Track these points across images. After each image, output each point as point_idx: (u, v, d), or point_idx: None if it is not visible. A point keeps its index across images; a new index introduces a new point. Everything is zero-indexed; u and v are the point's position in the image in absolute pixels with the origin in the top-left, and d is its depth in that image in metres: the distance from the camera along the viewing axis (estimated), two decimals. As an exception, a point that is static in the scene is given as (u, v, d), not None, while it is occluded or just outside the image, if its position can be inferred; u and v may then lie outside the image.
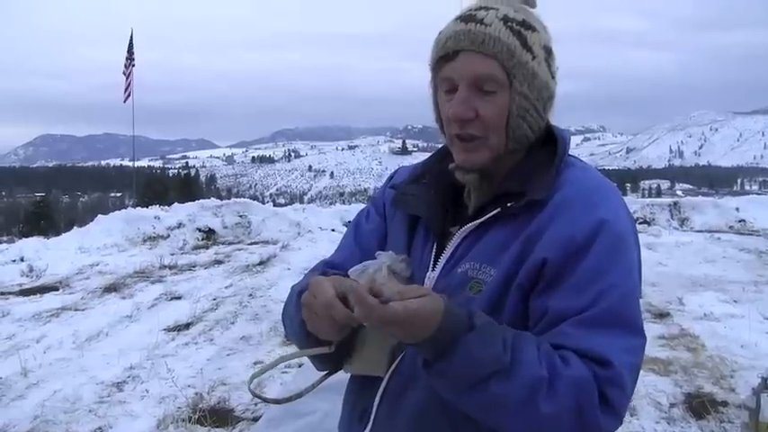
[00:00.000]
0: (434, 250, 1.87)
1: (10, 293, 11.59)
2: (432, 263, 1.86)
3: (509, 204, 1.74)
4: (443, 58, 1.79)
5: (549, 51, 1.83)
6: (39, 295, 11.47)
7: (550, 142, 1.86)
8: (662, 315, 9.87)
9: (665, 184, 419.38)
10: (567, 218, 1.68)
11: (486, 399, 1.54)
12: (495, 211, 1.76)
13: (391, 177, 2.19)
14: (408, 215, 1.98)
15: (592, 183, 1.78)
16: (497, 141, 1.78)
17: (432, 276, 1.84)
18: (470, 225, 1.81)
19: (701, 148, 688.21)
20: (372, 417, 1.87)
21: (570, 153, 1.89)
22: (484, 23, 1.74)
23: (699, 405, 6.40)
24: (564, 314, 1.64)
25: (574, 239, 1.65)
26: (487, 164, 1.80)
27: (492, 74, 1.73)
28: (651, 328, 9.03)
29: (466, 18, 1.78)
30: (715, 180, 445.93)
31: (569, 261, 1.65)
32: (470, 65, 1.75)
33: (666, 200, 24.64)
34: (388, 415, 1.85)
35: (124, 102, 39.76)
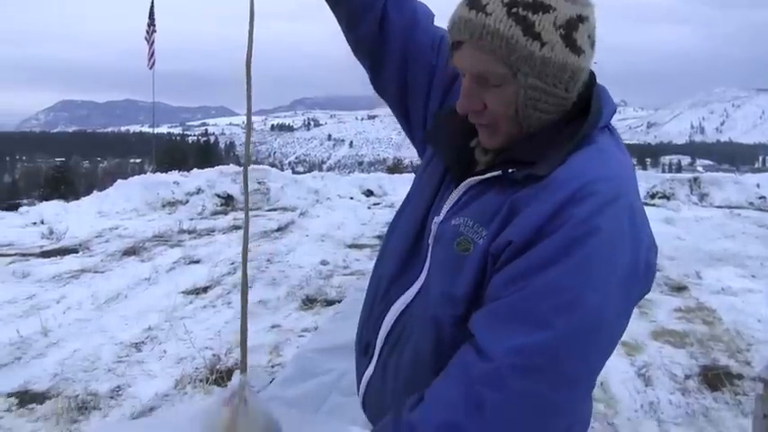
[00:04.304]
0: (449, 197, 1.83)
1: (30, 255, 11.66)
2: (443, 209, 1.83)
3: (510, 170, 1.68)
4: (452, 45, 1.73)
5: (570, 26, 1.65)
6: (59, 257, 11.54)
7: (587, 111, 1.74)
8: (679, 288, 9.84)
9: (685, 160, 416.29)
10: (545, 204, 1.58)
11: None
12: (495, 173, 1.71)
13: None
14: None
15: (592, 173, 1.62)
16: (509, 128, 1.72)
17: (436, 221, 1.82)
18: (473, 179, 1.77)
19: (722, 124, 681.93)
20: (376, 355, 1.90)
21: (609, 125, 1.79)
22: (485, 11, 1.63)
23: (714, 377, 6.39)
24: (489, 297, 1.61)
25: (540, 231, 1.57)
26: (504, 146, 1.76)
27: (491, 71, 1.66)
28: (668, 301, 9.04)
29: (471, 2, 1.67)
30: (736, 157, 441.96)
31: (525, 249, 1.58)
32: (469, 60, 1.68)
33: (686, 175, 24.51)
34: (390, 354, 1.87)
35: (150, 68, 39.91)
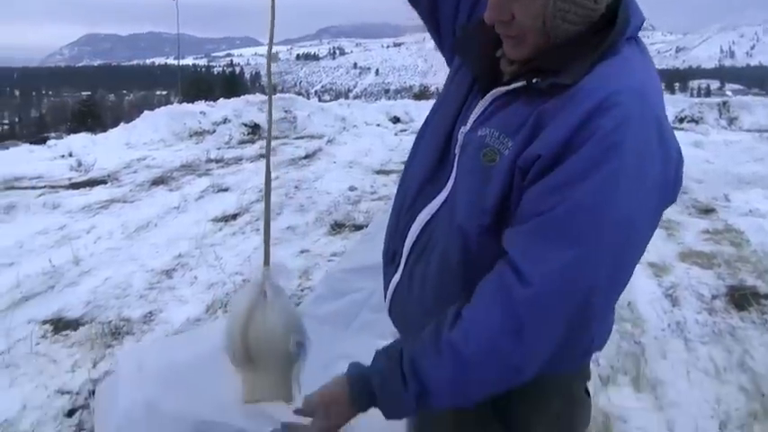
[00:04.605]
0: (476, 107, 1.81)
1: (60, 187, 11.74)
2: (470, 119, 1.81)
3: (534, 80, 1.66)
4: None
5: None
6: (88, 188, 11.63)
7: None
8: (707, 210, 9.84)
9: (714, 84, 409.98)
10: (572, 116, 1.55)
11: (440, 406, 1.68)
12: (520, 83, 1.69)
13: None
14: None
15: (617, 84, 1.58)
16: (536, 40, 1.67)
17: (463, 131, 1.80)
18: (499, 90, 1.74)
19: (753, 48, 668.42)
20: (403, 263, 1.90)
21: (636, 37, 1.75)
22: None
23: (741, 297, 6.43)
24: (523, 215, 1.59)
25: (568, 144, 1.54)
26: (529, 57, 1.71)
27: None
28: (695, 223, 9.05)
29: None
30: (766, 80, 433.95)
31: (554, 163, 1.56)
32: None
33: (715, 99, 24.25)
34: (416, 263, 1.87)
35: (173, -2, 39.70)
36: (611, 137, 1.51)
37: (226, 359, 1.83)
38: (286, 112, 18.92)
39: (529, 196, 1.59)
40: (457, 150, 1.80)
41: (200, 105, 19.72)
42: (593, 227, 1.52)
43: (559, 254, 1.53)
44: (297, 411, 1.81)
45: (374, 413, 1.74)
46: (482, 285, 1.62)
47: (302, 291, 6.45)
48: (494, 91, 1.76)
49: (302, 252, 7.77)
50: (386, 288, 2.00)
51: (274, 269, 1.84)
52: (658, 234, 8.38)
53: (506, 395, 1.66)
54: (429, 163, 1.89)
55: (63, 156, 14.59)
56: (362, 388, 1.71)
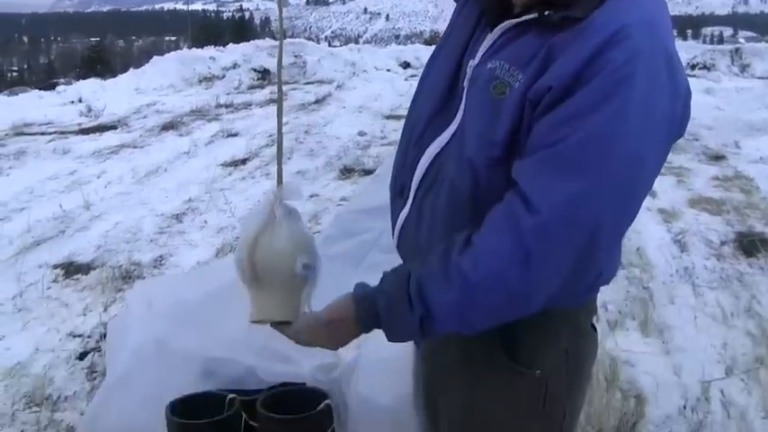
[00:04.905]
0: (485, 41, 1.79)
1: (70, 132, 11.72)
2: (478, 52, 1.79)
3: (546, 13, 1.63)
4: None
5: None
6: (98, 134, 11.60)
7: None
8: (717, 157, 9.82)
9: (727, 32, 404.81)
10: (582, 49, 1.54)
11: (444, 331, 1.71)
12: (531, 16, 1.66)
13: None
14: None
15: (628, 17, 1.57)
16: None
17: (471, 65, 1.79)
18: (509, 23, 1.72)
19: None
20: (411, 197, 1.90)
21: None
22: None
23: (749, 243, 6.44)
24: (533, 146, 1.59)
25: (578, 77, 1.53)
26: None
27: None
28: (705, 170, 9.05)
29: None
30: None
31: (565, 95, 1.55)
32: None
33: (728, 46, 24.07)
34: (425, 196, 1.85)
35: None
36: (622, 70, 1.51)
37: (236, 292, 1.84)
38: (296, 57, 18.81)
39: (539, 128, 1.59)
40: (466, 84, 1.79)
41: (210, 51, 19.66)
42: (602, 159, 1.53)
43: (568, 185, 1.53)
44: (292, 335, 1.83)
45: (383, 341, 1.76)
46: (492, 214, 1.63)
47: (312, 234, 6.46)
48: (504, 23, 1.74)
49: (312, 196, 7.80)
50: (394, 222, 1.99)
51: (286, 188, 1.82)
52: (668, 180, 8.46)
53: (514, 326, 1.68)
54: (437, 95, 1.87)
55: (72, 101, 14.53)
56: (368, 308, 1.72)
